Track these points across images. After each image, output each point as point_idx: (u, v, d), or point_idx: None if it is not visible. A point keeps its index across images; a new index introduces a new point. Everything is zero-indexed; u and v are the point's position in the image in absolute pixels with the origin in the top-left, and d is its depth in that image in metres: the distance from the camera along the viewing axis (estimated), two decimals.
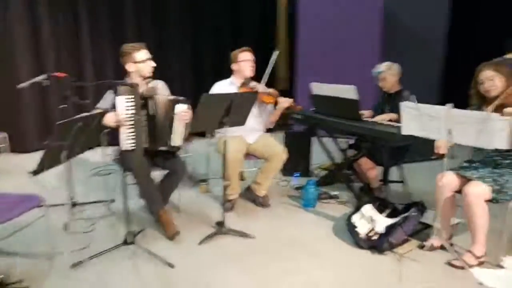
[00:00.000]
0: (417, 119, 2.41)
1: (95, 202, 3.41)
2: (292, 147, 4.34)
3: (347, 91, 3.23)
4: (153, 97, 2.88)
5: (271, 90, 3.44)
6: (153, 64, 2.94)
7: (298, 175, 4.33)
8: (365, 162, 3.58)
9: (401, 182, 3.79)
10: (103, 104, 2.91)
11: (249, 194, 3.58)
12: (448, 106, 2.23)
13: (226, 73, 3.49)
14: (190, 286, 2.33)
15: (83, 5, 5.04)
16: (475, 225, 2.51)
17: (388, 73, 3.51)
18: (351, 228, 2.88)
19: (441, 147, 2.56)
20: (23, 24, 4.69)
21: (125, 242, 2.63)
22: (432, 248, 2.73)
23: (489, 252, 2.57)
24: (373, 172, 3.58)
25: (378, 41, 5.67)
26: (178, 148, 3.04)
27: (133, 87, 2.63)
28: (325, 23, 5.79)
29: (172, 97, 3.02)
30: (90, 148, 2.52)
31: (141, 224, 3.03)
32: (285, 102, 3.36)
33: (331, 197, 3.72)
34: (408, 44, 6.10)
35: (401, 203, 3.19)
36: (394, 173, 3.78)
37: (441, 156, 2.59)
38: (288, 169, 4.40)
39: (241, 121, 2.96)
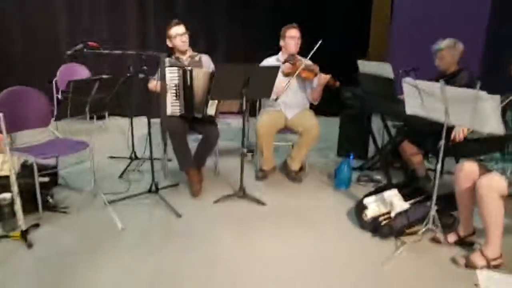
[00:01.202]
0: (417, 96, 2.21)
1: (155, 158, 3.95)
2: (349, 128, 4.28)
3: (384, 69, 3.04)
4: (191, 70, 3.21)
5: (312, 66, 3.45)
6: (183, 39, 3.25)
7: (352, 157, 4.23)
8: (408, 147, 3.33)
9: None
10: (158, 74, 3.37)
11: (284, 168, 3.69)
12: (441, 83, 2.00)
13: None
14: (184, 234, 2.64)
15: None
16: (487, 222, 2.22)
17: (448, 51, 3.20)
18: (360, 208, 2.80)
19: (458, 133, 2.32)
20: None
21: (150, 191, 3.07)
22: (444, 242, 2.49)
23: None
24: (416, 158, 3.32)
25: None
26: (212, 116, 3.33)
27: (159, 59, 2.97)
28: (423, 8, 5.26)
29: (210, 70, 3.31)
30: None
31: (178, 179, 3.44)
32: (323, 79, 3.34)
33: (372, 180, 3.58)
34: None
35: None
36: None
37: (459, 143, 2.35)
38: (344, 151, 4.35)
39: (264, 93, 3.09)
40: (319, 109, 5.57)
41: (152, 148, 3.04)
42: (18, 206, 2.34)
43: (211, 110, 3.29)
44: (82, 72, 5.14)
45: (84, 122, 5.24)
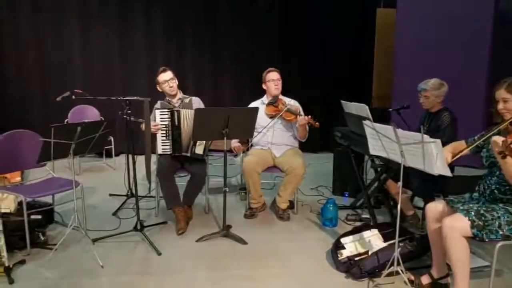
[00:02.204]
0: (377, 138, 2.26)
1: (151, 196, 4.08)
2: (343, 166, 4.30)
3: (361, 109, 3.12)
4: (179, 111, 3.38)
5: (294, 108, 3.55)
6: (170, 84, 3.44)
7: (347, 195, 4.23)
8: (393, 186, 3.32)
9: None
10: (152, 116, 3.56)
11: (274, 206, 3.72)
12: (393, 126, 2.05)
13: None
14: (161, 272, 2.71)
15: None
16: (452, 263, 2.19)
17: (432, 93, 3.20)
18: (336, 248, 2.79)
19: None
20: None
21: (135, 229, 3.17)
22: (420, 285, 2.44)
23: None
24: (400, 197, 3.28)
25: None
26: (201, 155, 3.45)
27: (148, 103, 3.14)
28: (425, 40, 5.26)
29: None
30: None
31: (169, 217, 3.53)
32: (302, 120, 3.43)
33: (361, 219, 3.56)
34: None
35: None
36: None
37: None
38: (339, 188, 4.35)
39: (245, 134, 3.21)
40: (318, 144, 5.67)
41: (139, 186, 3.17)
42: (1, 243, 2.49)
43: (199, 149, 3.43)
44: (91, 113, 5.45)
45: (97, 161, 5.64)
